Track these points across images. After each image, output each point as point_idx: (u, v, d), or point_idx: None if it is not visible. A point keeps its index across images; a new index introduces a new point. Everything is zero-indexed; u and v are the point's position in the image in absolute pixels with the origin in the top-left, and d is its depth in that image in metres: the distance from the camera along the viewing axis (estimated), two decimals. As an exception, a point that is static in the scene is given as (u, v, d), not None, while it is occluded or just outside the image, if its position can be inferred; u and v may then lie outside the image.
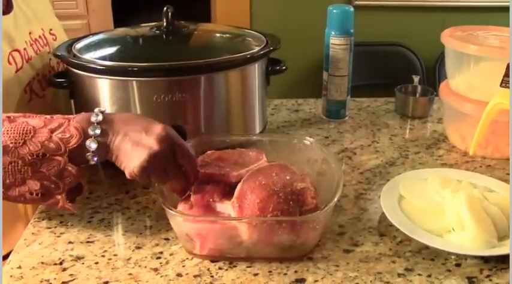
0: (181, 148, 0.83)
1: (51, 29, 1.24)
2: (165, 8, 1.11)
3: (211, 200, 0.84)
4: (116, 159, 0.82)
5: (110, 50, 1.15)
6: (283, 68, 1.18)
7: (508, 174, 1.09)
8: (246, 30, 1.26)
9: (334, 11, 1.30)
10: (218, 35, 1.24)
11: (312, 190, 0.85)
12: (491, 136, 1.12)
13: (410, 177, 1.02)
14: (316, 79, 2.35)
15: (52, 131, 0.79)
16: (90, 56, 1.07)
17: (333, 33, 1.30)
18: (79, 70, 1.06)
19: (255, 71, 1.11)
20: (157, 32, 1.13)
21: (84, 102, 1.09)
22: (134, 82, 1.03)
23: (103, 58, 1.08)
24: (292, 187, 0.83)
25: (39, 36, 1.17)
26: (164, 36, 1.12)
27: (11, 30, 1.06)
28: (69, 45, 1.13)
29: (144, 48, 1.15)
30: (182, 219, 0.81)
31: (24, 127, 0.78)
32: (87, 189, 1.03)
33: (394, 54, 2.74)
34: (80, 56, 1.07)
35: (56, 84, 1.10)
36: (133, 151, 0.79)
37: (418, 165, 1.14)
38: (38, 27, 1.18)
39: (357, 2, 2.67)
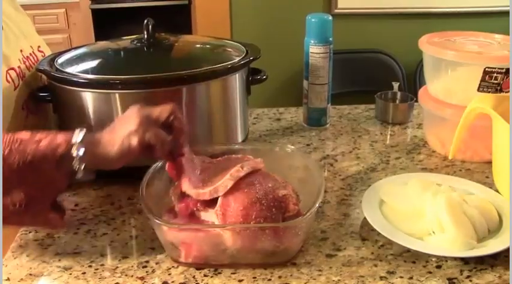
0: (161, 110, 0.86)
1: (39, 46, 1.25)
2: (145, 21, 1.12)
3: (195, 209, 0.86)
4: (105, 143, 0.82)
5: (92, 63, 1.16)
6: (264, 77, 1.20)
7: (488, 177, 1.11)
8: (226, 41, 1.28)
9: (313, 19, 1.32)
10: (198, 46, 1.25)
11: (294, 196, 0.86)
12: (470, 140, 1.14)
13: (391, 181, 1.04)
14: (296, 88, 2.37)
15: (39, 141, 0.79)
16: (72, 69, 1.08)
17: (312, 41, 1.32)
18: (62, 84, 1.06)
19: (236, 80, 1.13)
20: (139, 44, 1.14)
21: (67, 116, 1.09)
22: (117, 94, 1.04)
23: (85, 71, 1.09)
24: (275, 194, 0.84)
25: (30, 54, 1.18)
26: (145, 49, 1.13)
27: (4, 48, 1.07)
28: (52, 59, 1.13)
29: (126, 60, 1.16)
30: (167, 228, 0.82)
31: (10, 138, 0.78)
32: (73, 201, 1.04)
33: (375, 61, 2.77)
34: (63, 69, 1.08)
35: (39, 99, 1.11)
36: (119, 126, 0.83)
37: (399, 170, 1.16)
38: (27, 45, 1.19)
39: (336, 10, 2.70)
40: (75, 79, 1.05)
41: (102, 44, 1.25)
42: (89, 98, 1.05)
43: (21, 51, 1.14)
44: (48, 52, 1.27)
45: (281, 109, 1.52)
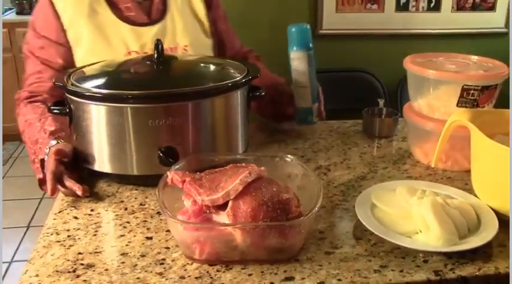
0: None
1: (186, 45, 1.45)
2: (156, 41, 1.22)
3: (207, 212, 0.95)
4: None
5: (106, 79, 1.25)
6: (263, 94, 1.30)
7: (466, 184, 1.22)
8: (229, 60, 1.38)
9: (293, 29, 1.44)
10: (204, 64, 1.35)
11: (295, 200, 0.96)
12: (450, 151, 1.26)
13: (380, 188, 1.14)
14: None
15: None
16: (87, 84, 1.18)
17: (294, 48, 1.44)
18: (78, 98, 1.16)
19: (238, 97, 1.23)
20: (149, 62, 1.24)
21: (83, 127, 1.18)
22: (129, 108, 1.13)
23: (99, 86, 1.19)
24: (279, 198, 0.94)
25: (170, 48, 1.43)
26: (155, 66, 1.23)
27: (148, 37, 1.39)
28: (68, 75, 1.23)
29: (137, 77, 1.25)
30: (183, 228, 0.91)
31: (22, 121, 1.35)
32: (88, 206, 1.13)
33: (358, 79, 2.89)
34: (78, 84, 1.17)
35: (56, 112, 1.21)
36: None
37: (386, 178, 1.27)
38: (174, 41, 1.44)
39: (321, 31, 2.82)
40: (89, 93, 1.14)
41: (116, 61, 1.34)
42: (102, 111, 1.15)
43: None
44: (194, 51, 1.49)
45: (275, 124, 1.62)
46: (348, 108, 2.61)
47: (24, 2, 4.31)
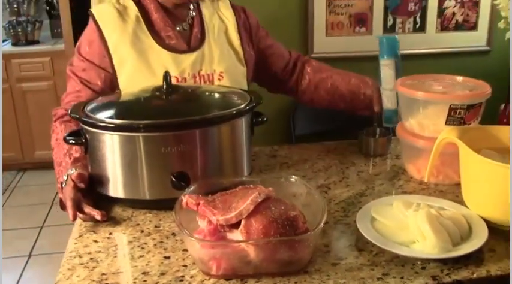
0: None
1: (221, 72, 1.55)
2: (164, 73, 1.31)
3: (222, 230, 1.04)
4: None
5: (119, 109, 1.34)
6: (265, 119, 1.39)
7: (457, 196, 1.31)
8: (233, 89, 1.47)
9: (384, 40, 1.63)
10: (210, 94, 1.44)
11: (302, 217, 1.05)
12: (441, 166, 1.35)
13: (379, 203, 1.23)
14: (283, 124, 2.58)
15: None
16: (101, 115, 1.26)
17: (385, 57, 1.62)
18: (93, 128, 1.25)
19: (242, 123, 1.32)
20: (158, 93, 1.32)
21: (98, 156, 1.26)
22: (141, 137, 1.22)
23: (112, 117, 1.27)
24: (287, 215, 1.03)
25: (207, 74, 1.53)
26: (164, 97, 1.32)
27: (187, 64, 1.51)
28: (83, 106, 1.31)
29: (147, 107, 1.34)
30: (200, 246, 0.99)
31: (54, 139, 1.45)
32: (107, 230, 1.21)
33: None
34: (92, 115, 1.26)
35: (72, 143, 1.29)
36: None
37: (383, 194, 1.35)
38: (211, 68, 1.55)
39: (312, 55, 2.91)
40: (103, 124, 1.23)
41: (127, 93, 1.43)
42: (116, 140, 1.23)
43: (200, 70, 1.54)
44: (228, 79, 1.58)
45: (275, 147, 1.71)
46: (340, 127, 2.71)
47: (20, 33, 4.39)
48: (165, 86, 1.31)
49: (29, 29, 4.43)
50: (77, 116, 1.26)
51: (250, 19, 1.69)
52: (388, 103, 1.63)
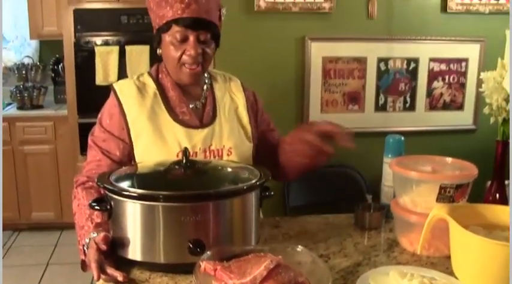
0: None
1: (230, 148, 1.69)
2: (184, 148, 1.45)
3: (237, 294, 1.15)
4: None
5: (141, 180, 1.47)
6: (272, 193, 1.52)
7: (447, 268, 1.42)
8: (245, 165, 1.61)
9: (390, 140, 1.82)
10: (223, 169, 1.57)
11: (308, 283, 1.17)
12: (432, 240, 1.49)
13: (376, 272, 1.35)
14: (276, 196, 2.70)
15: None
16: (125, 184, 1.39)
17: (389, 155, 1.78)
18: (117, 196, 1.37)
19: (252, 197, 1.45)
20: (177, 166, 1.46)
21: (121, 221, 1.38)
22: (160, 206, 1.34)
23: (134, 186, 1.39)
24: (296, 281, 1.15)
25: (217, 149, 1.66)
26: (183, 170, 1.45)
27: (198, 139, 1.64)
28: (108, 176, 1.44)
29: (168, 179, 1.47)
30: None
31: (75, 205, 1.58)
32: (127, 291, 1.32)
33: (342, 174, 3.13)
34: (116, 184, 1.38)
35: (97, 209, 1.41)
36: None
37: (379, 264, 1.47)
38: (220, 143, 1.68)
39: (308, 130, 3.07)
40: (127, 193, 1.35)
41: (149, 164, 1.56)
42: (137, 208, 1.35)
43: (210, 146, 1.67)
44: (236, 154, 1.71)
45: (277, 218, 1.83)
46: (334, 200, 2.85)
47: (26, 98, 4.55)
48: (184, 160, 1.44)
49: (34, 94, 4.61)
50: (104, 185, 1.39)
51: (258, 103, 1.85)
52: (385, 199, 1.80)
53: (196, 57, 1.60)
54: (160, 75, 1.72)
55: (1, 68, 4.50)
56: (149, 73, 1.74)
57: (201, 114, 1.71)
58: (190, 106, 1.70)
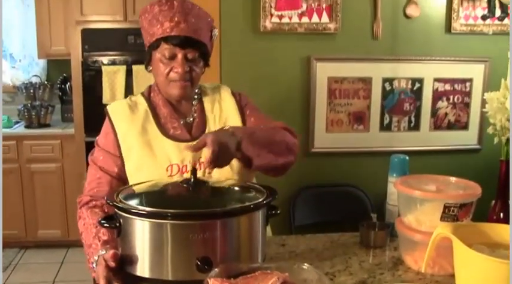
0: None
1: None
2: (192, 168, 1.48)
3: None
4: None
5: (149, 198, 1.49)
6: (278, 212, 1.54)
7: (451, 287, 1.45)
8: (252, 184, 1.63)
9: (395, 159, 1.87)
10: (231, 187, 1.60)
11: (314, 300, 1.19)
12: (436, 258, 1.50)
13: (381, 290, 1.37)
14: (282, 214, 2.71)
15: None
16: (133, 202, 1.41)
17: (394, 175, 1.81)
18: (126, 214, 1.39)
19: (259, 215, 1.46)
20: (185, 185, 1.48)
21: (130, 239, 1.40)
22: (168, 224, 1.36)
23: (144, 204, 1.42)
24: (302, 298, 1.16)
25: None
26: (190, 188, 1.47)
27: (187, 152, 1.59)
28: (117, 194, 1.46)
29: (175, 197, 1.49)
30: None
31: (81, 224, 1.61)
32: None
33: (347, 193, 3.14)
34: (125, 202, 1.41)
35: (106, 226, 1.43)
36: None
37: (384, 282, 1.49)
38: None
39: (312, 150, 3.10)
40: (136, 210, 1.37)
41: (157, 183, 1.58)
42: (146, 226, 1.37)
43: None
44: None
45: (284, 236, 1.86)
46: (340, 219, 2.86)
47: (33, 116, 4.60)
48: (192, 179, 1.47)
49: (42, 112, 4.65)
50: (113, 203, 1.41)
51: (242, 99, 1.86)
52: (390, 218, 1.82)
53: (183, 74, 1.65)
54: (152, 94, 1.78)
55: (1, 77, 4.58)
56: (142, 94, 1.81)
57: (191, 127, 1.75)
58: (182, 121, 1.74)
